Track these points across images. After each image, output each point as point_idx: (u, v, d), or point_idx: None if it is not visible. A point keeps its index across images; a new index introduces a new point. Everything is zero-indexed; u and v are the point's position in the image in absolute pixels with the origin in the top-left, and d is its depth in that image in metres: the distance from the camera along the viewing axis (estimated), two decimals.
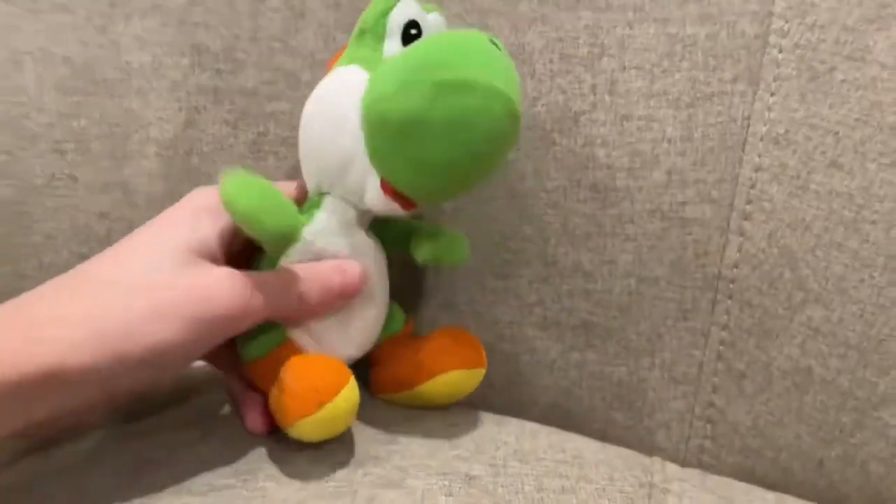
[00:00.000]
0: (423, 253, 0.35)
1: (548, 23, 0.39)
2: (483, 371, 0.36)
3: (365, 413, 0.33)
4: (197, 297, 0.28)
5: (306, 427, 0.30)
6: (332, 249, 0.33)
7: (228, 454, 0.32)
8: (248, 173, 0.30)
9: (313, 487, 0.30)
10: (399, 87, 0.29)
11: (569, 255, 0.40)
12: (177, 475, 0.31)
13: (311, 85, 0.34)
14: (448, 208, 0.41)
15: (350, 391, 0.30)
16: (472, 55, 0.29)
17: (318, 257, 0.33)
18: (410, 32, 0.32)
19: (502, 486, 0.32)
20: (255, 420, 0.34)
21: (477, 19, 0.40)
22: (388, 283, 0.36)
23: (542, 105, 0.39)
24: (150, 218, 0.42)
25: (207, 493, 0.30)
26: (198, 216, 0.30)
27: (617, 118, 0.39)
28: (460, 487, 0.31)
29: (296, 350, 0.33)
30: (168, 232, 0.30)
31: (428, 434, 0.35)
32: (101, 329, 0.27)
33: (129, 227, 0.42)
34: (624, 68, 0.39)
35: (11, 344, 0.26)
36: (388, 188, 0.31)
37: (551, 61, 0.39)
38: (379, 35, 0.32)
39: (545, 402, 0.42)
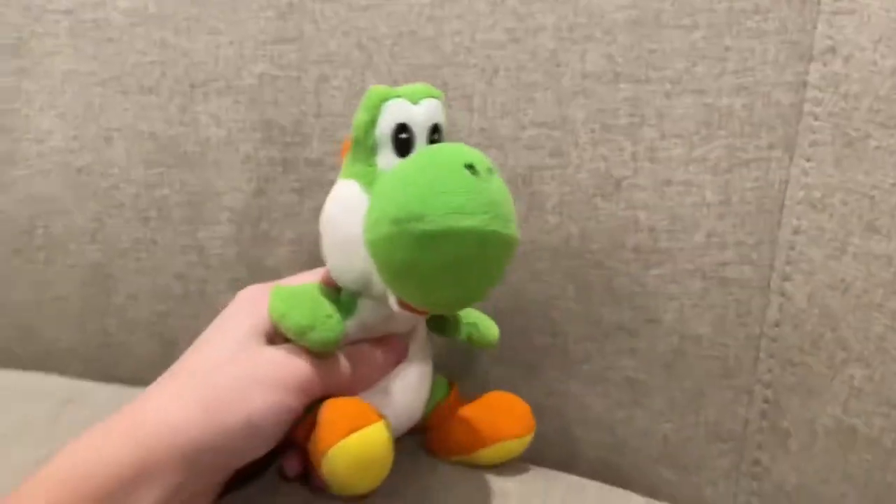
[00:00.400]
0: (459, 334, 0.37)
1: (590, 96, 0.42)
2: (532, 435, 0.37)
3: (412, 466, 0.34)
4: (280, 367, 0.31)
5: (338, 454, 0.30)
6: (372, 334, 0.35)
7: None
8: (293, 288, 0.33)
9: None
10: (387, 238, 0.29)
11: (613, 314, 0.42)
12: None
13: None
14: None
15: (382, 426, 0.31)
16: (448, 197, 0.28)
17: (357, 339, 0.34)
18: (401, 138, 0.32)
19: None
20: (291, 463, 0.35)
21: (523, 93, 0.42)
22: (428, 353, 0.37)
23: (586, 171, 0.42)
24: (222, 278, 0.46)
25: None
26: (255, 307, 0.34)
27: (657, 183, 0.41)
28: None
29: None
30: (234, 323, 0.34)
31: (477, 487, 0.37)
32: (204, 404, 0.29)
33: (204, 286, 0.46)
34: (663, 136, 0.41)
35: (115, 443, 0.28)
36: (405, 304, 0.31)
37: (593, 131, 0.42)
38: (370, 148, 0.32)
39: (594, 458, 0.43)
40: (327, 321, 0.32)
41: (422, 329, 0.37)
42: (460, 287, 0.30)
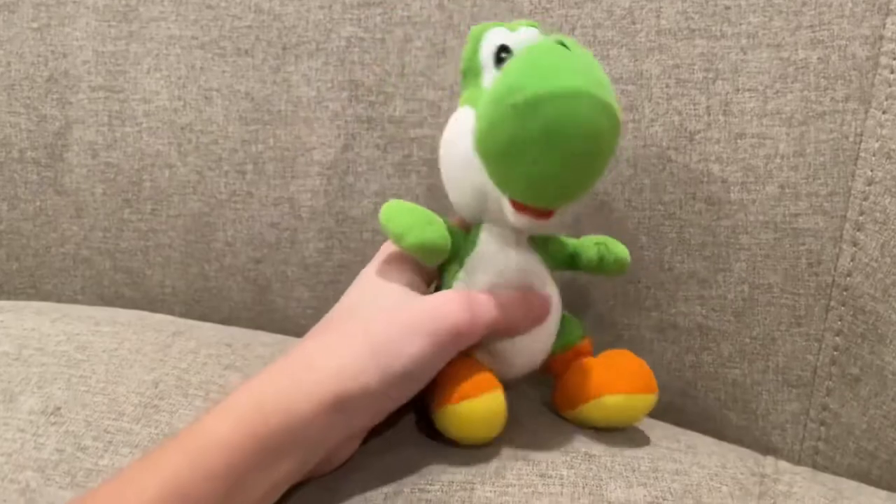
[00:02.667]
0: (590, 256, 0.38)
1: (665, 51, 0.43)
2: (652, 397, 0.36)
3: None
4: (434, 315, 0.33)
5: (445, 415, 0.33)
6: (495, 271, 0.35)
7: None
8: (401, 201, 0.35)
9: (452, 456, 0.35)
10: (490, 121, 0.31)
11: (684, 262, 0.43)
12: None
13: (451, 112, 0.39)
14: (570, 220, 0.45)
15: (493, 397, 0.33)
16: (538, 69, 0.30)
17: (486, 281, 0.35)
18: (502, 57, 0.34)
19: (619, 465, 0.35)
20: None
21: (599, 50, 0.44)
22: (558, 294, 0.37)
23: (660, 125, 0.43)
24: (312, 228, 0.49)
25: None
26: (401, 262, 0.36)
27: (731, 136, 0.42)
28: (581, 462, 0.35)
29: (469, 359, 0.35)
30: (387, 278, 0.35)
31: (553, 421, 0.39)
32: (371, 350, 0.31)
33: (295, 235, 0.50)
34: (738, 90, 0.42)
35: (291, 383, 0.30)
36: (518, 206, 0.33)
37: (668, 86, 0.43)
38: (476, 71, 0.35)
39: (663, 401, 0.44)
40: (429, 225, 0.34)
41: (547, 275, 0.37)
42: (566, 165, 0.30)
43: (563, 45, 0.30)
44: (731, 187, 0.42)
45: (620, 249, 0.39)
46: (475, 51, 0.35)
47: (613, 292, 0.45)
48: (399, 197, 0.48)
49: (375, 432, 0.35)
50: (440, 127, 0.39)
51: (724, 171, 0.42)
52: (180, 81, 0.51)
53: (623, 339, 0.45)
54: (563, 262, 0.38)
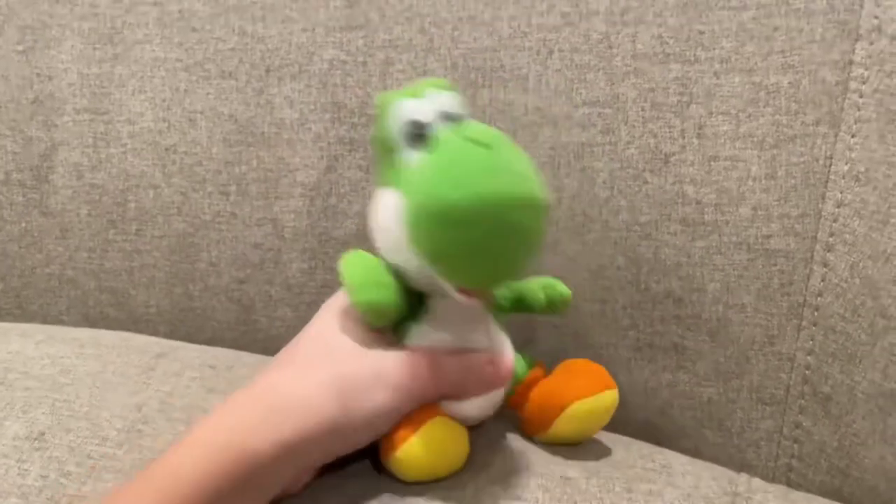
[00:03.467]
0: (539, 300, 0.38)
1: (640, 75, 0.44)
2: (614, 392, 0.37)
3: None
4: (404, 371, 0.33)
5: (394, 465, 0.33)
6: (451, 334, 0.35)
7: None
8: (364, 253, 0.34)
9: (428, 482, 0.35)
10: (414, 227, 0.31)
11: (660, 283, 0.44)
12: None
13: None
14: (549, 242, 0.46)
15: (433, 427, 0.33)
16: (461, 173, 0.29)
17: (439, 340, 0.35)
18: (413, 134, 0.32)
19: (594, 487, 0.36)
20: None
21: (576, 74, 0.45)
22: (510, 345, 0.37)
23: (635, 148, 0.44)
24: (295, 248, 0.50)
25: None
26: None
27: (705, 159, 0.43)
28: (556, 486, 0.36)
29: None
30: (354, 312, 0.34)
31: (527, 446, 0.39)
32: (339, 392, 0.31)
33: (279, 255, 0.50)
34: (711, 114, 0.42)
35: (256, 420, 0.30)
36: (464, 290, 0.32)
37: (643, 109, 0.44)
38: (390, 146, 0.33)
39: (640, 420, 0.45)
40: (381, 285, 0.33)
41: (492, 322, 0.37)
42: (498, 262, 0.30)
43: (473, 140, 0.30)
44: (706, 209, 0.43)
45: (564, 289, 0.39)
46: (384, 128, 0.33)
47: (590, 312, 0.46)
48: None
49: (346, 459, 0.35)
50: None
51: (699, 192, 0.43)
52: (165, 103, 0.51)
53: (601, 358, 0.45)
54: (512, 306, 0.39)
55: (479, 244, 0.30)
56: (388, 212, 0.32)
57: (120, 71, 0.52)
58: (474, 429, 0.37)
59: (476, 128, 0.31)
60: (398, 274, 0.34)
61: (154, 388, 0.40)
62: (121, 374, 0.41)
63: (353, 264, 0.34)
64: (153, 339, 0.47)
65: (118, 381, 0.40)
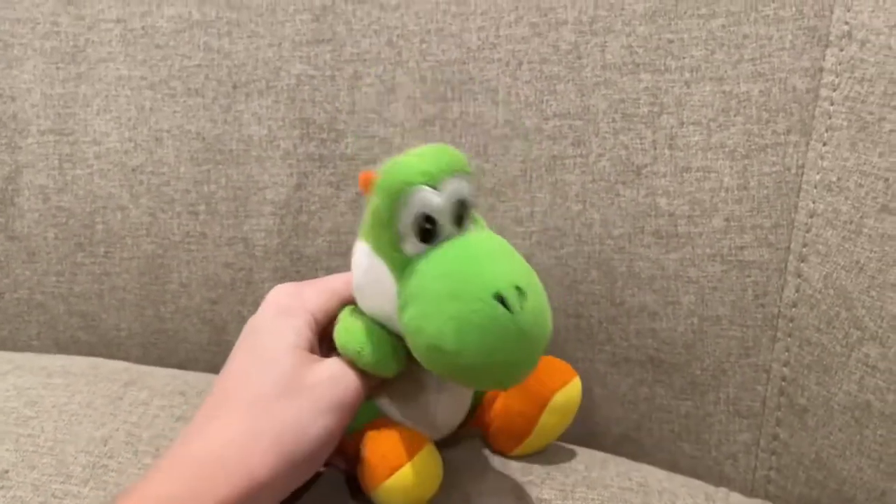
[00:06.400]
0: None
1: (610, 86, 0.43)
2: (578, 380, 0.38)
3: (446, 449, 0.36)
4: (333, 389, 0.32)
5: (383, 494, 0.33)
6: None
7: None
8: (358, 324, 0.33)
9: None
10: (424, 356, 0.31)
11: (635, 296, 0.43)
12: None
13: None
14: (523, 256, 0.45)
15: (423, 457, 0.33)
16: (480, 337, 0.29)
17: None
18: (425, 228, 0.30)
19: None
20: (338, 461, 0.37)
21: (545, 86, 0.44)
22: None
23: (607, 160, 0.43)
24: (266, 267, 0.49)
25: None
26: (289, 315, 0.34)
27: (677, 170, 0.42)
28: None
29: (387, 423, 0.35)
30: (278, 342, 0.33)
31: (502, 462, 0.39)
32: (278, 439, 0.30)
33: (250, 275, 0.49)
34: (682, 124, 0.42)
35: (196, 485, 0.29)
36: None
37: (614, 120, 0.43)
38: (394, 234, 0.31)
39: (616, 434, 0.45)
40: (397, 351, 0.33)
41: None
42: (497, 384, 0.33)
43: (500, 298, 0.29)
44: (679, 220, 0.42)
45: None
46: (392, 214, 0.30)
47: (566, 326, 0.45)
48: (353, 233, 0.48)
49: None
50: None
51: (672, 204, 0.42)
52: (130, 122, 0.50)
53: (578, 372, 0.45)
54: None
55: (479, 381, 0.31)
56: (377, 286, 0.32)
57: (84, 90, 0.51)
58: (442, 448, 0.36)
59: (501, 270, 0.30)
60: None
61: (121, 419, 0.39)
62: (87, 405, 0.40)
63: (351, 328, 0.33)
64: (123, 364, 0.47)
65: (84, 413, 0.39)
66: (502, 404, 0.38)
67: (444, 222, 0.31)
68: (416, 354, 0.31)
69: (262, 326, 0.34)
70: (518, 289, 0.29)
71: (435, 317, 0.30)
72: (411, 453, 0.33)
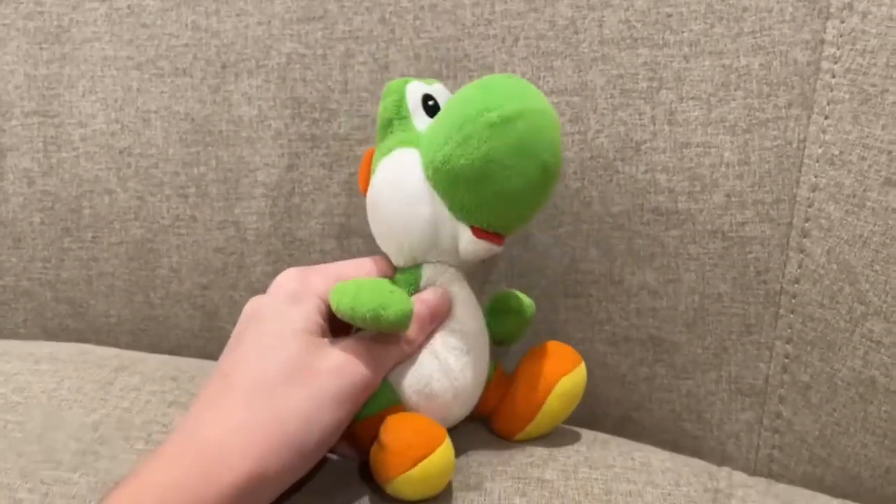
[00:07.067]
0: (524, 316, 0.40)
1: (608, 61, 0.42)
2: (583, 366, 0.38)
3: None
4: (341, 378, 0.31)
5: (403, 484, 0.32)
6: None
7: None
8: (348, 283, 0.33)
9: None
10: (457, 143, 0.32)
11: (635, 274, 0.43)
12: None
13: None
14: (521, 237, 0.45)
15: (445, 449, 0.32)
16: (502, 92, 0.33)
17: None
18: (429, 104, 0.37)
19: (572, 489, 0.35)
20: (343, 447, 0.36)
21: (542, 62, 0.43)
22: (487, 337, 0.37)
23: (605, 136, 0.42)
24: (258, 251, 0.48)
25: None
26: (298, 300, 0.33)
27: (676, 146, 0.41)
28: (533, 489, 0.35)
29: (402, 411, 0.35)
30: (284, 325, 0.32)
31: (504, 445, 0.38)
32: (283, 430, 0.29)
33: (242, 259, 0.48)
34: (681, 99, 0.41)
35: (199, 475, 0.28)
36: (479, 232, 0.34)
37: (612, 96, 0.42)
38: (404, 117, 0.36)
39: (617, 415, 0.44)
40: (393, 295, 0.32)
41: (481, 316, 0.37)
42: (537, 177, 0.33)
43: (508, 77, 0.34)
44: (679, 197, 0.41)
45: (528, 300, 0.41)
46: (398, 101, 0.37)
47: (565, 306, 0.44)
48: (347, 215, 0.47)
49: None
50: None
51: (671, 180, 0.41)
52: (117, 104, 0.49)
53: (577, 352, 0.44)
54: (499, 336, 0.40)
55: (526, 152, 0.32)
56: (402, 165, 0.35)
57: (69, 71, 0.50)
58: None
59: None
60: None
61: (112, 404, 0.38)
62: (77, 391, 0.39)
63: (354, 293, 0.32)
64: (113, 350, 0.46)
65: (74, 399, 0.38)
66: (507, 389, 0.38)
67: (442, 101, 0.37)
68: (446, 158, 0.33)
69: (270, 312, 0.33)
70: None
71: (459, 107, 0.33)
72: (435, 444, 0.32)
